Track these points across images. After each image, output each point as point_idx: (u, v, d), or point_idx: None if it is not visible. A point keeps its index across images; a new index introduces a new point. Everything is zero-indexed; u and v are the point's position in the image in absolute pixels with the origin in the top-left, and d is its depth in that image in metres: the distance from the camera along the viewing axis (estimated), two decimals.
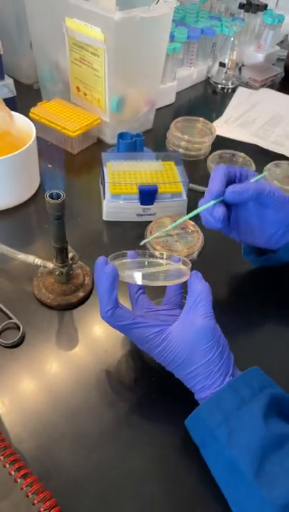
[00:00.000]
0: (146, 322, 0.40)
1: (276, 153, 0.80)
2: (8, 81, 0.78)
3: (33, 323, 0.50)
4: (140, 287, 0.46)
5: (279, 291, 0.55)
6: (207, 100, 1.00)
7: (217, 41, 0.99)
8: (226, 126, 0.88)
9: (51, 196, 0.43)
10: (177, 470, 0.40)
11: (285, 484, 0.33)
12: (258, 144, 0.83)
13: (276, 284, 0.55)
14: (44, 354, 0.47)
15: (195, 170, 0.75)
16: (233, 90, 1.01)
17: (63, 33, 0.72)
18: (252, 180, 0.47)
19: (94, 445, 0.41)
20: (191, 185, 0.68)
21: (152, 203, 0.62)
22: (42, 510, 0.35)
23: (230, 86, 1.01)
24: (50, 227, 0.46)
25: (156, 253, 0.46)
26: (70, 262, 0.50)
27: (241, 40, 1.01)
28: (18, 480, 0.36)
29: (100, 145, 0.78)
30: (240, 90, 1.01)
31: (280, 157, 0.79)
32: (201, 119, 0.81)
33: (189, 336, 0.39)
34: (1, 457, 0.37)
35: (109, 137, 0.77)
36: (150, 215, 0.63)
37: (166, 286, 0.47)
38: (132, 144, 0.69)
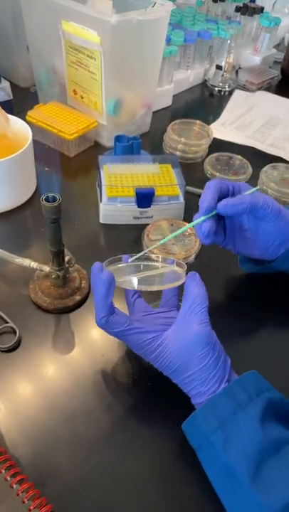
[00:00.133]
0: (142, 328, 0.39)
1: (273, 156, 0.81)
2: (5, 84, 0.78)
3: (30, 326, 0.49)
4: (136, 291, 0.46)
5: (275, 294, 0.55)
6: (204, 103, 1.00)
7: (214, 44, 1.00)
8: (223, 128, 0.88)
9: (47, 199, 0.43)
10: (174, 474, 0.39)
11: (282, 489, 0.33)
12: (254, 147, 0.83)
13: (273, 288, 0.55)
14: (40, 358, 0.47)
15: (192, 172, 0.75)
16: (230, 93, 1.01)
17: (60, 36, 0.72)
18: (246, 193, 0.47)
19: (90, 450, 0.40)
20: (188, 187, 0.68)
21: (149, 206, 0.62)
22: None
23: (227, 89, 1.01)
24: (47, 231, 0.46)
25: (152, 256, 0.46)
26: (67, 265, 0.50)
27: (238, 43, 1.02)
28: (14, 486, 0.36)
29: (96, 148, 0.78)
30: (237, 93, 1.01)
31: (277, 159, 0.79)
32: (197, 121, 0.81)
33: (184, 343, 0.38)
34: None
35: (106, 140, 0.77)
36: (147, 217, 0.63)
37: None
38: (129, 147, 0.69)
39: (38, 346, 0.48)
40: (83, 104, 0.78)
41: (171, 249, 0.58)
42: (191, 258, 0.58)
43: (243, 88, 1.03)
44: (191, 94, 1.00)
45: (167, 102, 0.93)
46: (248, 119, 0.91)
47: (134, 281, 0.41)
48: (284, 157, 0.80)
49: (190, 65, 0.98)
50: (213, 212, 0.46)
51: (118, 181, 0.63)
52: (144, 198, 0.61)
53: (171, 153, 0.78)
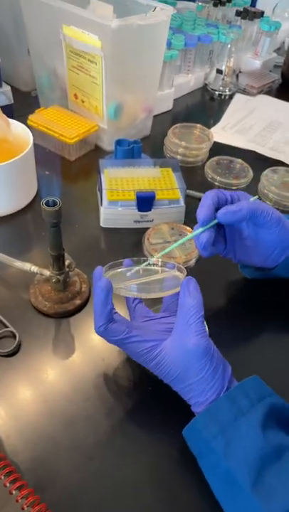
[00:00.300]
0: (140, 336, 0.39)
1: (273, 159, 0.81)
2: (6, 88, 0.78)
3: (30, 331, 0.49)
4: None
5: (276, 298, 0.55)
6: (204, 107, 1.00)
7: (214, 48, 1.00)
8: (224, 132, 0.88)
9: (47, 203, 0.43)
10: (174, 480, 0.39)
11: (283, 497, 0.32)
12: (255, 150, 0.83)
13: (274, 292, 0.55)
14: (40, 363, 0.47)
15: (193, 176, 0.75)
16: (231, 97, 1.01)
17: (61, 41, 0.72)
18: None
19: (90, 455, 0.40)
20: (188, 191, 0.68)
21: (150, 210, 0.62)
22: None
23: (228, 92, 1.02)
24: (47, 235, 0.46)
25: (152, 260, 0.46)
26: (67, 269, 0.50)
27: (238, 47, 1.02)
28: (14, 492, 0.36)
29: (97, 152, 0.78)
30: (238, 97, 1.01)
31: (278, 163, 0.79)
32: (198, 125, 0.81)
33: (181, 355, 0.38)
34: None
35: (107, 144, 0.77)
36: (148, 221, 0.63)
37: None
38: (130, 151, 0.70)
39: (38, 351, 0.48)
40: (84, 108, 0.78)
41: (171, 253, 0.58)
42: (192, 262, 0.58)
43: (244, 92, 1.03)
44: (192, 98, 1.00)
45: (168, 105, 0.93)
46: (249, 123, 0.91)
47: (132, 289, 0.41)
48: (284, 161, 0.80)
49: (190, 69, 0.98)
50: (213, 223, 0.45)
51: (119, 185, 0.63)
52: (145, 201, 0.61)
53: (172, 157, 0.78)
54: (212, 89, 1.02)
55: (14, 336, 0.48)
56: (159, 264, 0.45)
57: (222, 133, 0.87)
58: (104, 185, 0.63)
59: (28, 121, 0.74)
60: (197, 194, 0.70)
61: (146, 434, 0.42)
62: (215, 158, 0.77)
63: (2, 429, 0.41)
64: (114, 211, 0.62)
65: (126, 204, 0.62)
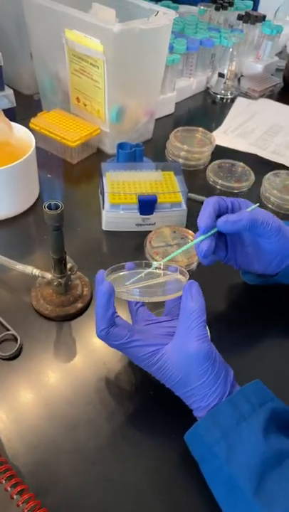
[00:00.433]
0: (142, 341, 0.39)
1: (275, 163, 0.81)
2: (8, 92, 0.79)
3: (31, 334, 0.49)
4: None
5: (277, 303, 0.55)
6: (206, 110, 1.00)
7: (216, 52, 1.00)
8: (225, 136, 0.88)
9: (49, 207, 0.43)
10: (175, 484, 0.39)
11: (285, 503, 0.32)
12: (257, 154, 0.83)
13: (274, 297, 0.55)
14: (42, 366, 0.47)
15: (194, 180, 0.75)
16: (232, 100, 1.01)
17: (63, 44, 0.73)
18: (246, 210, 0.47)
19: (91, 459, 0.40)
20: (190, 194, 0.68)
21: (152, 213, 0.62)
22: None
23: (230, 96, 1.02)
24: (49, 238, 0.46)
25: (154, 263, 0.46)
26: (69, 272, 0.50)
27: (240, 50, 1.02)
28: (15, 496, 0.36)
29: (99, 155, 0.78)
30: (239, 100, 1.01)
31: (280, 166, 0.79)
32: (200, 129, 0.81)
33: (183, 359, 0.38)
34: None
35: (109, 147, 0.78)
36: (150, 224, 0.63)
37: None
38: (132, 154, 0.70)
39: (39, 354, 0.48)
40: (86, 112, 0.78)
41: (173, 257, 0.58)
42: (194, 266, 0.58)
43: (245, 96, 1.03)
44: (194, 102, 1.00)
45: (170, 109, 0.93)
46: (250, 127, 0.92)
47: (135, 293, 0.41)
48: (286, 164, 0.80)
49: (192, 72, 0.99)
50: (213, 231, 0.45)
51: (121, 188, 0.63)
52: (147, 205, 0.61)
53: (174, 161, 0.78)
54: (214, 92, 1.03)
55: (16, 339, 0.48)
56: (162, 267, 0.45)
57: (224, 136, 0.87)
58: (106, 189, 0.63)
59: (31, 125, 0.74)
60: (199, 197, 0.70)
61: (147, 438, 0.42)
62: (217, 162, 0.77)
63: (3, 432, 0.41)
64: (116, 214, 0.62)
65: (128, 207, 0.62)
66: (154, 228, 0.62)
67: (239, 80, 1.05)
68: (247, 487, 0.33)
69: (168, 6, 0.98)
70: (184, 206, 0.63)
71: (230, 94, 1.02)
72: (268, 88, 1.05)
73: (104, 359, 0.47)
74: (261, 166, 0.79)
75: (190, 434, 0.38)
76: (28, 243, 0.62)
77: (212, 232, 0.45)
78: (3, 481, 0.36)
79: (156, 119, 0.85)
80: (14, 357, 0.47)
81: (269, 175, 0.73)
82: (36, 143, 0.64)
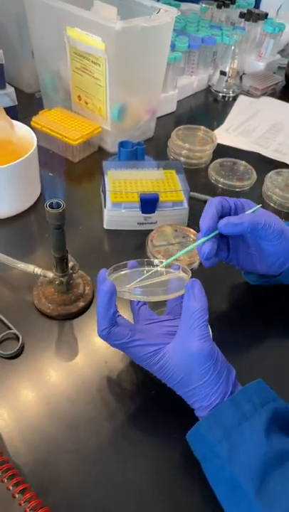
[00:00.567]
0: (143, 340, 0.39)
1: (278, 162, 0.80)
2: (10, 90, 0.78)
3: (33, 333, 0.49)
4: None
5: (279, 303, 0.55)
6: (208, 108, 1.00)
7: (218, 50, 1.00)
8: (227, 134, 0.88)
9: (51, 206, 0.43)
10: (176, 484, 0.39)
11: (287, 503, 0.32)
12: (259, 152, 0.83)
13: (276, 296, 0.55)
14: (43, 365, 0.47)
15: (196, 178, 0.74)
16: (234, 99, 1.01)
17: (65, 42, 0.72)
18: (247, 212, 0.46)
19: (93, 458, 0.40)
20: (192, 193, 0.68)
21: (153, 212, 0.62)
22: None
23: (231, 94, 1.01)
24: (51, 237, 0.46)
25: (156, 261, 0.46)
26: (70, 271, 0.50)
27: (242, 48, 1.02)
28: (17, 495, 0.36)
29: (101, 153, 0.78)
30: (241, 99, 1.01)
31: (282, 165, 0.79)
32: (202, 127, 0.81)
33: (184, 359, 0.38)
34: None
35: (110, 146, 0.77)
36: (151, 223, 0.63)
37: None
38: (133, 153, 0.69)
39: (41, 353, 0.48)
40: (88, 110, 0.78)
41: (174, 255, 0.58)
42: (195, 265, 0.58)
43: (247, 94, 1.03)
44: (196, 100, 1.00)
45: (171, 107, 0.93)
46: (252, 125, 0.91)
47: (137, 292, 0.41)
48: (288, 163, 0.80)
49: (194, 70, 0.98)
50: (215, 233, 0.45)
51: (122, 187, 0.63)
52: (149, 203, 0.61)
53: (176, 159, 0.77)
54: (216, 90, 1.02)
55: (17, 338, 0.48)
56: (163, 264, 0.45)
57: (225, 135, 0.87)
58: (107, 187, 0.63)
59: (32, 123, 0.74)
60: (201, 196, 0.69)
61: (148, 437, 0.42)
62: (218, 160, 0.77)
63: (5, 430, 0.41)
64: (117, 213, 0.62)
65: (129, 206, 0.61)
66: (155, 227, 0.62)
67: (241, 78, 1.04)
68: (249, 487, 0.33)
69: (170, 4, 0.98)
70: (186, 205, 0.63)
71: (232, 92, 1.01)
72: (270, 86, 1.04)
73: (105, 358, 0.47)
74: (263, 164, 0.78)
75: (192, 433, 0.38)
76: (30, 242, 0.62)
77: (214, 233, 0.45)
78: (5, 480, 0.36)
79: (158, 118, 0.85)
80: (16, 356, 0.47)
81: (271, 173, 0.73)
82: (38, 141, 0.64)
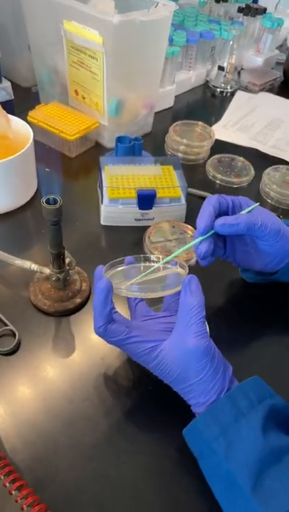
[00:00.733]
0: (140, 337, 0.39)
1: (275, 158, 0.80)
2: (6, 84, 0.78)
3: (29, 329, 0.49)
4: None
5: (276, 300, 0.54)
6: (206, 104, 1.00)
7: (216, 45, 0.99)
8: (225, 130, 0.87)
9: (48, 202, 0.42)
10: (173, 480, 0.39)
11: (284, 500, 0.32)
12: (257, 148, 0.82)
13: (273, 294, 0.55)
14: (40, 361, 0.47)
15: (194, 174, 0.74)
16: (232, 94, 1.00)
17: (61, 36, 0.72)
18: (244, 211, 0.46)
19: (89, 454, 0.40)
20: (189, 189, 0.67)
21: (151, 208, 0.62)
22: None
23: (229, 90, 1.01)
24: (47, 233, 0.46)
25: (153, 257, 0.45)
26: (67, 267, 0.50)
27: (240, 43, 1.01)
28: (13, 492, 0.36)
29: (98, 149, 0.78)
30: (239, 94, 1.00)
31: (279, 161, 0.79)
32: (200, 123, 0.81)
33: (181, 355, 0.38)
34: None
35: (108, 141, 0.77)
36: (148, 219, 0.63)
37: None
38: (131, 148, 0.69)
39: (37, 349, 0.47)
40: (85, 105, 0.77)
41: (172, 251, 0.58)
42: (192, 261, 0.57)
43: (245, 89, 1.02)
44: (193, 95, 1.00)
45: (169, 102, 0.93)
46: (250, 121, 0.91)
47: (134, 289, 0.41)
48: (286, 159, 0.80)
49: (192, 65, 0.98)
50: (212, 232, 0.45)
51: (119, 183, 0.63)
52: (146, 199, 0.61)
53: (173, 155, 0.77)
54: (214, 86, 1.02)
55: (14, 335, 0.48)
56: (160, 260, 0.45)
57: (223, 131, 0.87)
58: (104, 183, 0.62)
59: (28, 118, 0.73)
60: (198, 192, 0.69)
61: (145, 433, 0.42)
62: (216, 156, 0.76)
63: (1, 427, 0.41)
64: (114, 209, 0.62)
65: (127, 202, 0.61)
66: (153, 223, 0.62)
67: (239, 73, 1.04)
68: (245, 484, 0.33)
69: None
70: (184, 201, 0.63)
71: (230, 87, 1.01)
72: (268, 82, 1.04)
73: (102, 354, 0.47)
74: (261, 160, 0.78)
75: (188, 429, 0.38)
76: (26, 237, 0.62)
77: (210, 233, 0.45)
78: (2, 477, 0.36)
79: (156, 113, 0.84)
80: (12, 352, 0.47)
81: (269, 170, 0.73)
82: (34, 136, 0.63)
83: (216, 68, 1.00)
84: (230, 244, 0.49)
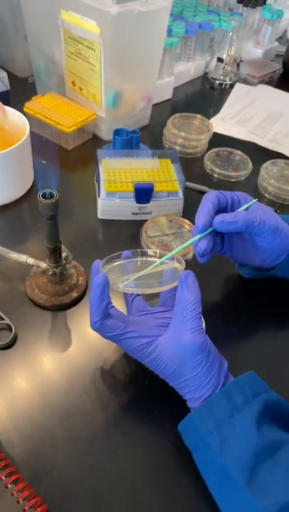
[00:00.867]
0: (136, 332, 0.39)
1: (274, 152, 0.80)
2: (2, 75, 0.77)
3: (26, 323, 0.49)
4: None
5: (273, 295, 0.55)
6: (204, 96, 0.99)
7: (215, 36, 0.98)
8: (223, 123, 0.87)
9: (44, 196, 0.42)
10: (169, 474, 0.39)
11: (277, 492, 0.32)
12: (255, 142, 0.82)
13: (270, 289, 0.55)
14: (37, 355, 0.47)
15: (192, 168, 0.74)
16: (231, 86, 1.00)
17: (59, 26, 0.71)
18: (242, 208, 0.46)
19: (86, 448, 0.40)
20: (187, 183, 0.67)
21: (148, 202, 0.61)
22: None
23: (228, 82, 1.00)
24: (44, 227, 0.45)
25: (150, 251, 0.45)
26: (64, 262, 0.49)
27: (240, 35, 1.00)
28: (9, 485, 0.36)
29: (95, 141, 0.77)
30: (238, 86, 1.00)
31: (278, 155, 0.78)
32: (198, 115, 0.80)
33: (177, 351, 0.38)
34: None
35: (105, 133, 0.76)
36: (146, 213, 0.62)
37: None
38: (128, 141, 0.68)
39: (34, 344, 0.47)
40: (82, 96, 0.76)
41: (169, 247, 0.57)
42: (189, 255, 0.57)
43: (245, 81, 1.01)
44: (192, 87, 0.99)
45: (168, 94, 0.92)
46: (249, 114, 0.90)
47: (130, 285, 0.40)
48: (284, 153, 0.79)
49: (191, 57, 0.97)
50: (210, 229, 0.45)
51: (117, 176, 0.62)
52: (143, 193, 0.60)
53: (171, 148, 0.77)
54: (212, 78, 1.01)
55: (10, 329, 0.47)
56: (158, 255, 0.45)
57: (222, 124, 0.86)
58: (101, 177, 0.62)
59: (25, 109, 0.73)
60: (196, 186, 0.69)
61: (141, 427, 0.42)
62: (214, 150, 0.76)
63: None
64: (111, 203, 0.61)
65: (124, 196, 0.61)
66: (150, 217, 0.61)
67: (238, 65, 1.03)
68: (239, 478, 0.33)
69: None
70: (181, 195, 0.63)
71: (229, 79, 1.00)
72: (268, 74, 1.03)
73: (99, 349, 0.47)
74: (259, 154, 0.78)
75: (184, 424, 0.38)
76: (23, 231, 0.62)
77: (209, 230, 0.45)
78: None
79: (154, 105, 0.83)
80: (9, 346, 0.47)
81: (267, 164, 0.72)
82: (30, 128, 0.63)
83: (214, 60, 0.99)
84: (228, 240, 0.49)
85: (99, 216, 0.63)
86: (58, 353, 0.47)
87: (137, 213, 0.62)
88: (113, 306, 0.43)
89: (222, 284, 0.56)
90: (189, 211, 0.61)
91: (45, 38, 0.76)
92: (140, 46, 0.70)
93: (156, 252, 0.45)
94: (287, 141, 0.83)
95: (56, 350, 0.47)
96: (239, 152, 0.76)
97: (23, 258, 0.51)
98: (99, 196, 0.61)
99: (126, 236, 0.61)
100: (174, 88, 0.93)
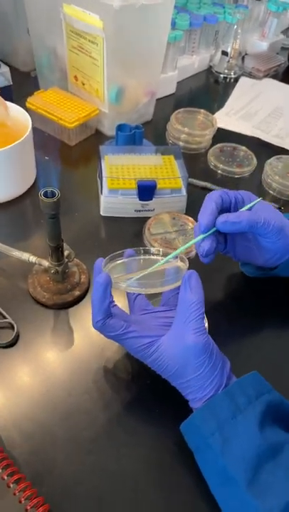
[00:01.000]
0: (137, 332, 0.39)
1: (278, 147, 0.79)
2: (5, 69, 0.76)
3: (28, 322, 0.49)
4: None
5: (276, 294, 0.54)
6: (209, 90, 0.97)
7: (220, 29, 0.97)
8: (228, 118, 0.86)
9: (45, 194, 0.42)
10: (172, 474, 0.39)
11: (279, 493, 0.32)
12: (260, 137, 0.81)
13: (273, 288, 0.54)
14: (39, 354, 0.46)
15: (195, 164, 0.73)
16: (236, 80, 0.98)
17: (61, 20, 0.70)
18: (245, 208, 0.45)
19: (88, 448, 0.40)
20: (190, 180, 0.66)
21: (151, 199, 0.61)
22: None
23: (233, 75, 0.99)
24: (45, 225, 0.45)
25: (153, 250, 0.45)
26: (66, 260, 0.49)
27: (244, 28, 0.99)
28: (11, 485, 0.36)
29: (98, 136, 0.76)
30: (243, 80, 0.98)
31: (283, 151, 0.77)
32: (202, 110, 0.79)
33: (179, 351, 0.38)
34: None
35: (108, 128, 0.76)
36: (149, 210, 0.62)
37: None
38: (131, 137, 0.68)
39: (36, 342, 0.47)
40: (84, 91, 0.76)
41: (172, 244, 0.57)
42: (192, 254, 0.57)
43: (249, 75, 1.00)
44: (196, 81, 0.97)
45: (171, 89, 0.91)
46: (254, 108, 0.89)
47: (133, 285, 0.40)
48: None
49: (195, 50, 0.95)
50: (213, 229, 0.44)
51: (119, 173, 0.62)
52: (146, 190, 0.60)
53: (174, 144, 0.76)
54: (217, 71, 0.99)
55: (12, 327, 0.47)
56: (161, 253, 0.44)
57: (226, 119, 0.85)
58: (104, 173, 0.61)
59: (27, 104, 0.72)
60: (200, 183, 0.68)
61: (143, 427, 0.42)
62: (218, 146, 0.75)
63: (0, 421, 0.41)
64: (114, 200, 0.61)
65: (127, 193, 0.60)
66: (153, 214, 0.61)
67: (243, 58, 1.01)
68: (241, 479, 0.33)
69: None
70: (184, 192, 0.62)
71: (234, 73, 0.99)
72: (273, 68, 1.01)
73: (101, 348, 0.47)
74: (264, 149, 0.77)
75: (186, 424, 0.38)
76: (25, 228, 0.61)
77: (212, 230, 0.44)
78: (0, 470, 0.36)
79: (157, 100, 0.82)
80: (11, 345, 0.47)
81: (271, 160, 0.71)
82: (33, 123, 0.62)
83: (219, 53, 0.98)
84: (231, 239, 0.48)
85: (101, 213, 0.63)
86: (60, 352, 0.47)
87: (139, 210, 0.62)
88: (115, 305, 0.43)
89: (225, 283, 0.55)
90: (193, 208, 0.60)
91: (47, 32, 0.75)
92: (143, 40, 0.69)
93: (159, 251, 0.44)
94: None
95: (58, 349, 0.47)
96: (243, 148, 0.75)
97: (25, 256, 0.51)
98: (101, 193, 0.61)
99: (129, 233, 0.60)
100: (178, 82, 0.92)
